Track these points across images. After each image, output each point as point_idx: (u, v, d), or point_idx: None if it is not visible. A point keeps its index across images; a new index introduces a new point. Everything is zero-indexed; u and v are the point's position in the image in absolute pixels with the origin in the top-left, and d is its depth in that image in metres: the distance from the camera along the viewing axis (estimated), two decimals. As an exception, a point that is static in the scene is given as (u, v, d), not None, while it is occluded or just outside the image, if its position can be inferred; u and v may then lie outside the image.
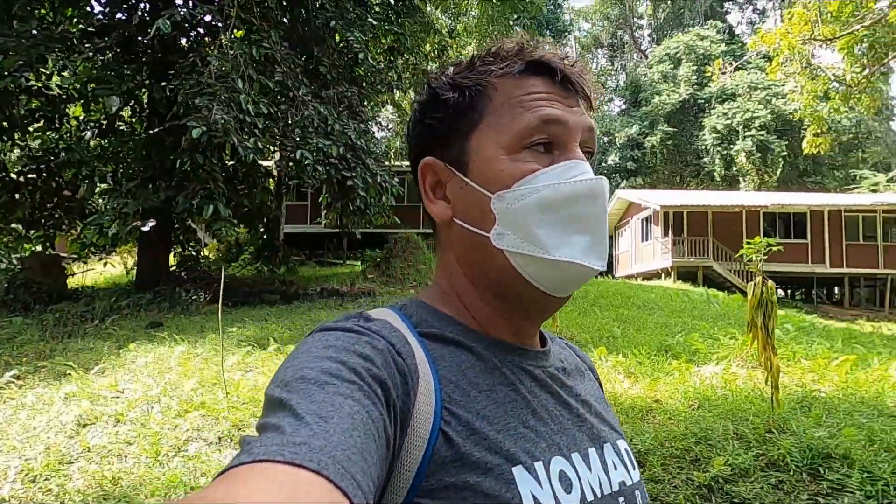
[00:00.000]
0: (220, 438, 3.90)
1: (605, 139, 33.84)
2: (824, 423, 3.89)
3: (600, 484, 0.59)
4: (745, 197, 22.82)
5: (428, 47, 14.80)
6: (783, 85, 20.96)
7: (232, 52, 7.98)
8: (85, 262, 12.18)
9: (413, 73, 14.85)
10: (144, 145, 9.48)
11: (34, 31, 8.07)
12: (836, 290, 20.99)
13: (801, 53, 18.78)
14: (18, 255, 11.03)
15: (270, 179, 12.74)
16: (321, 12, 9.82)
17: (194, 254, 11.58)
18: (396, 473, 0.50)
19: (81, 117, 9.79)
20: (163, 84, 8.82)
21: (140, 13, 9.47)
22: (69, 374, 5.22)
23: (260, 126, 8.35)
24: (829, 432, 3.65)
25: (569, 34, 37.85)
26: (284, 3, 9.97)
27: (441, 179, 0.65)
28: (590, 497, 0.57)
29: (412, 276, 12.17)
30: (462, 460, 0.51)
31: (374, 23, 10.69)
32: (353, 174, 9.54)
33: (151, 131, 9.15)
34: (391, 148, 18.94)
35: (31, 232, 10.29)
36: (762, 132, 28.37)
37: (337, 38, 10.41)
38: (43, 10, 9.30)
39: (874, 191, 27.12)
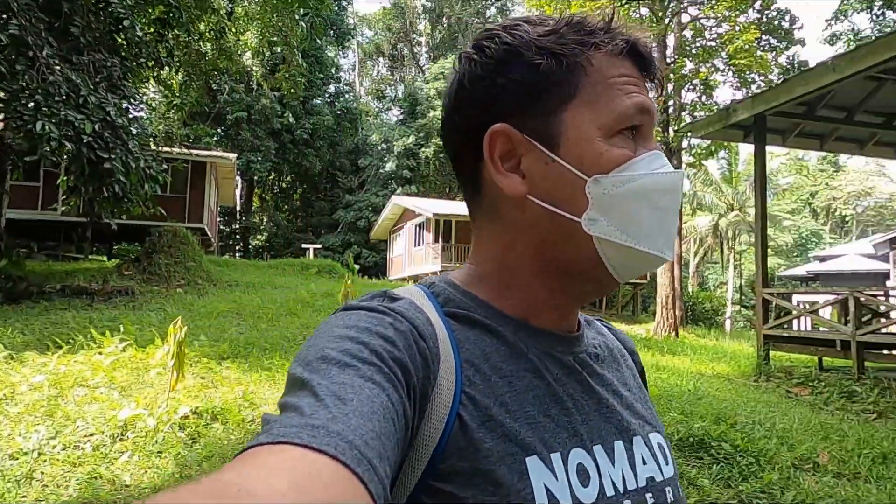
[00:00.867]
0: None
1: (384, 146, 34.95)
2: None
3: (623, 479, 0.57)
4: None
5: (203, 26, 13.63)
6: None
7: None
8: None
9: (185, 52, 13.50)
10: None
11: None
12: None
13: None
14: None
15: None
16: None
17: None
18: (413, 454, 0.49)
19: None
20: None
21: None
22: None
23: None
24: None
25: (352, 38, 38.27)
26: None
27: (517, 151, 0.58)
28: (609, 492, 0.55)
29: (180, 273, 11.04)
30: (475, 446, 0.50)
31: (142, -14, 9.48)
32: (112, 156, 8.30)
33: None
34: (157, 131, 16.89)
35: None
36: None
37: (93, -6, 8.97)
38: None
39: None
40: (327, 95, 33.87)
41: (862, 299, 7.81)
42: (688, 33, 16.86)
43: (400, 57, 44.03)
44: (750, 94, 10.13)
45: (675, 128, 15.47)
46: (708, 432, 4.49)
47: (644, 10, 19.42)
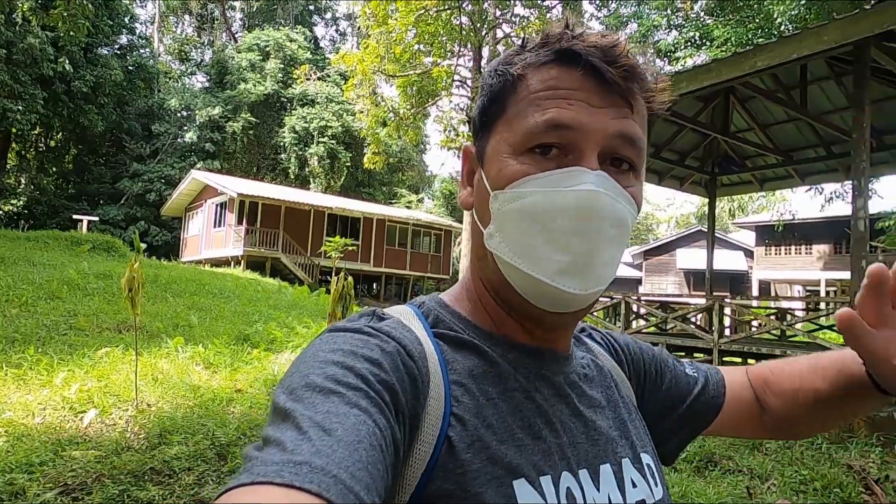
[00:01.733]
0: None
1: (185, 114, 31.63)
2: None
3: (610, 503, 0.56)
4: (314, 197, 25.00)
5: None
6: (354, 104, 23.88)
7: None
8: None
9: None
10: None
11: None
12: (375, 285, 25.12)
13: (371, 81, 21.89)
14: None
15: None
16: None
17: None
18: (403, 476, 0.49)
19: None
20: None
21: None
22: None
23: None
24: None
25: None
26: None
27: (473, 167, 0.63)
28: None
29: None
30: (463, 468, 0.50)
31: None
32: None
33: None
34: None
35: None
36: (333, 141, 31.60)
37: None
38: None
39: (408, 207, 33.80)
40: (117, 46, 29.32)
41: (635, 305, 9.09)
42: (501, 48, 18.11)
43: (210, 18, 40.21)
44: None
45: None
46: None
47: (465, 19, 20.37)
